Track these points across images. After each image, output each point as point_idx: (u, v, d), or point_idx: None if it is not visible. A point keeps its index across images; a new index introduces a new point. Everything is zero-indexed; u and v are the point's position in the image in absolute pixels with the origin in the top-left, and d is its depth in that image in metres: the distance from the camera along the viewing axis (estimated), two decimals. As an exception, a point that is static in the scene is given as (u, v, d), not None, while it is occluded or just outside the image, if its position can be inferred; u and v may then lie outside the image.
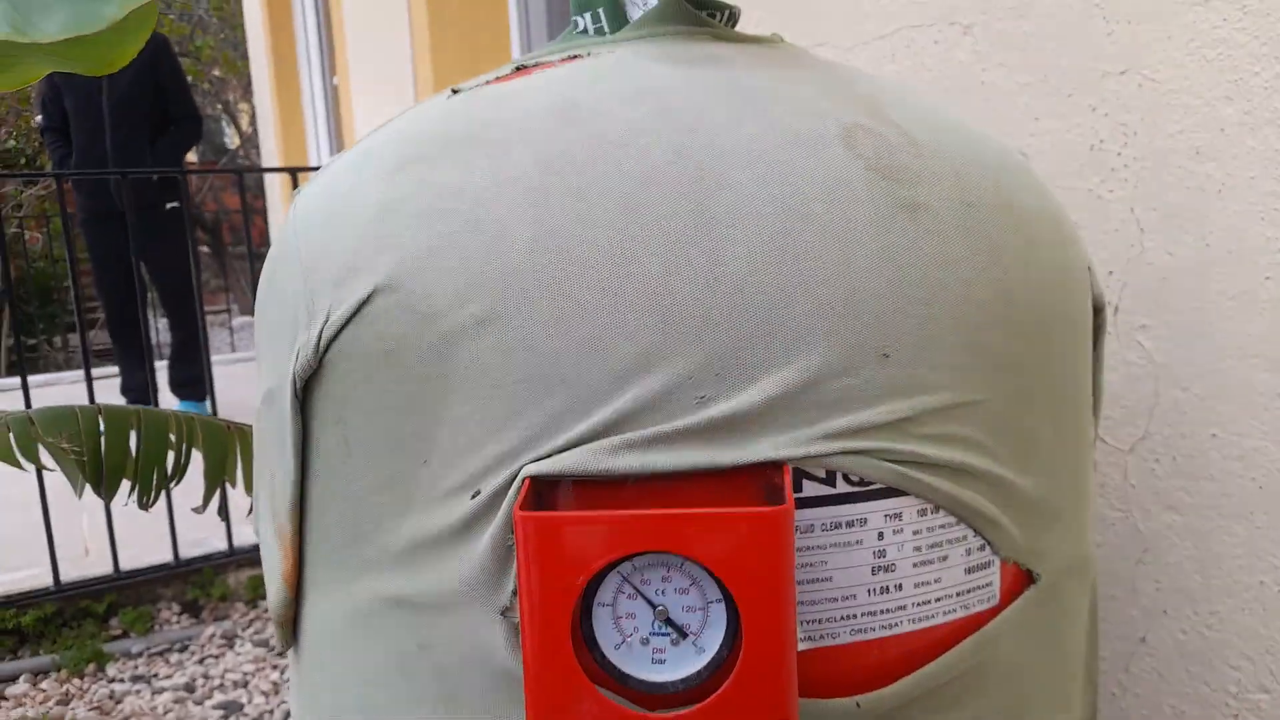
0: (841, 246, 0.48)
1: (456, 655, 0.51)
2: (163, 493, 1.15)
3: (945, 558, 0.51)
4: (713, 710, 0.42)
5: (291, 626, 0.61)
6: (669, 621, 0.43)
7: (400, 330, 0.49)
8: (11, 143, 5.77)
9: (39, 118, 3.81)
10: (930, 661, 0.51)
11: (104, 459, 1.06)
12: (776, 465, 0.46)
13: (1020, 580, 0.55)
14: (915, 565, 0.50)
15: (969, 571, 0.52)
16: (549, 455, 0.47)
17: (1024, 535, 0.53)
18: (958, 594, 0.52)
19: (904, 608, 0.50)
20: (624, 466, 0.45)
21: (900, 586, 0.50)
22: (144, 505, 1.12)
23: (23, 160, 5.58)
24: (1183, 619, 0.93)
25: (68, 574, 2.28)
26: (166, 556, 2.34)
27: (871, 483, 0.49)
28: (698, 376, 0.46)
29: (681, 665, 0.43)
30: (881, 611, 0.50)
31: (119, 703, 1.97)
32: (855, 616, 0.50)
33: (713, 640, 0.43)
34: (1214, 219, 0.83)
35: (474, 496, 0.49)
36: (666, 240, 0.47)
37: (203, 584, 2.36)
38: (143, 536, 2.37)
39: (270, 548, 0.60)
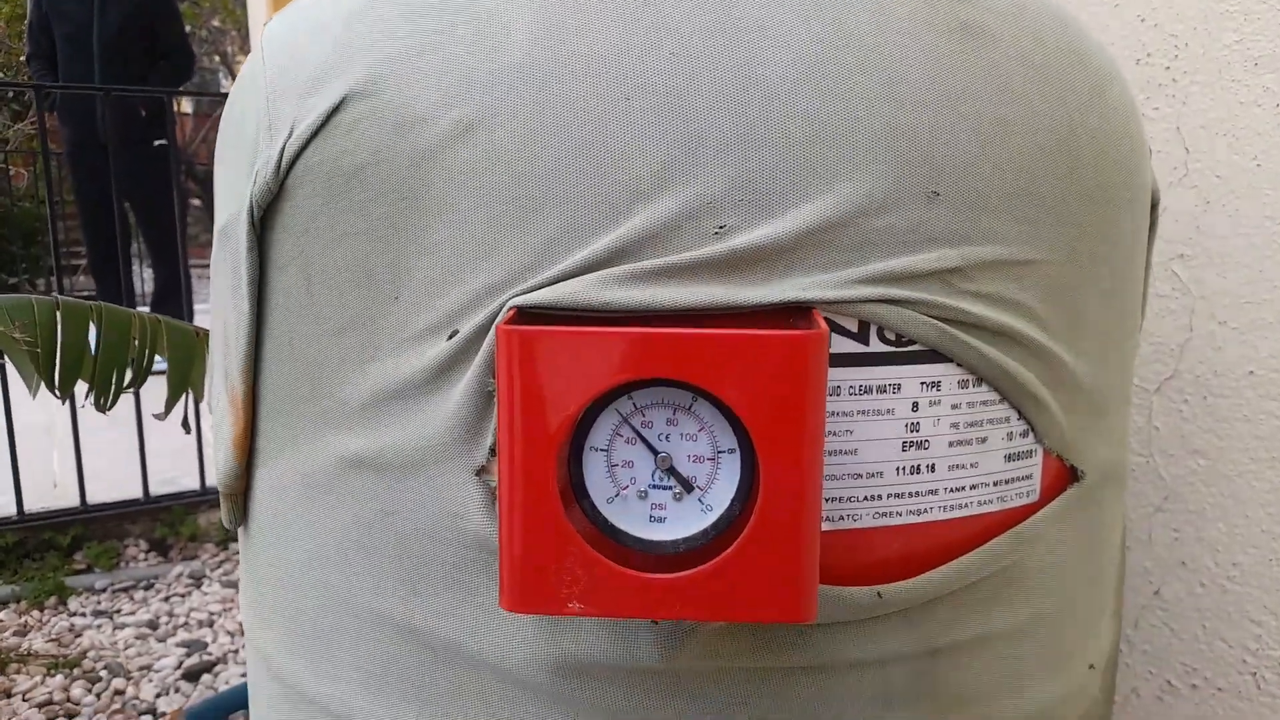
0: (889, 66, 0.41)
1: (423, 522, 0.44)
2: (122, 412, 1.07)
3: (984, 440, 0.45)
4: (716, 576, 0.36)
5: (241, 501, 0.54)
6: (672, 472, 0.37)
7: (374, 141, 0.43)
8: (-1, 75, 5.62)
9: (28, 48, 3.70)
10: (960, 556, 0.45)
11: (60, 354, 0.99)
12: (804, 309, 0.40)
13: (1062, 477, 0.49)
14: (951, 445, 0.44)
15: (1009, 459, 0.46)
16: (539, 288, 0.40)
17: (1070, 425, 0.47)
18: (995, 483, 0.46)
19: (935, 492, 0.44)
20: (626, 300, 0.39)
21: (933, 468, 0.44)
22: (101, 406, 1.05)
23: (10, 94, 5.44)
24: (1201, 571, 0.87)
25: (34, 505, 2.21)
26: (136, 493, 2.27)
27: (909, 342, 0.42)
28: (718, 201, 0.40)
29: (684, 523, 0.37)
30: (910, 494, 0.44)
31: (78, 636, 1.90)
32: (880, 498, 0.43)
33: (722, 496, 0.37)
34: (1271, 136, 0.77)
35: (450, 337, 0.42)
36: (686, 45, 0.41)
37: (172, 523, 2.30)
38: (113, 472, 2.30)
39: (220, 410, 0.53)
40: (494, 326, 0.41)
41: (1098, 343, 0.49)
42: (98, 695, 1.68)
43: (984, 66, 0.43)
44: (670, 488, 0.37)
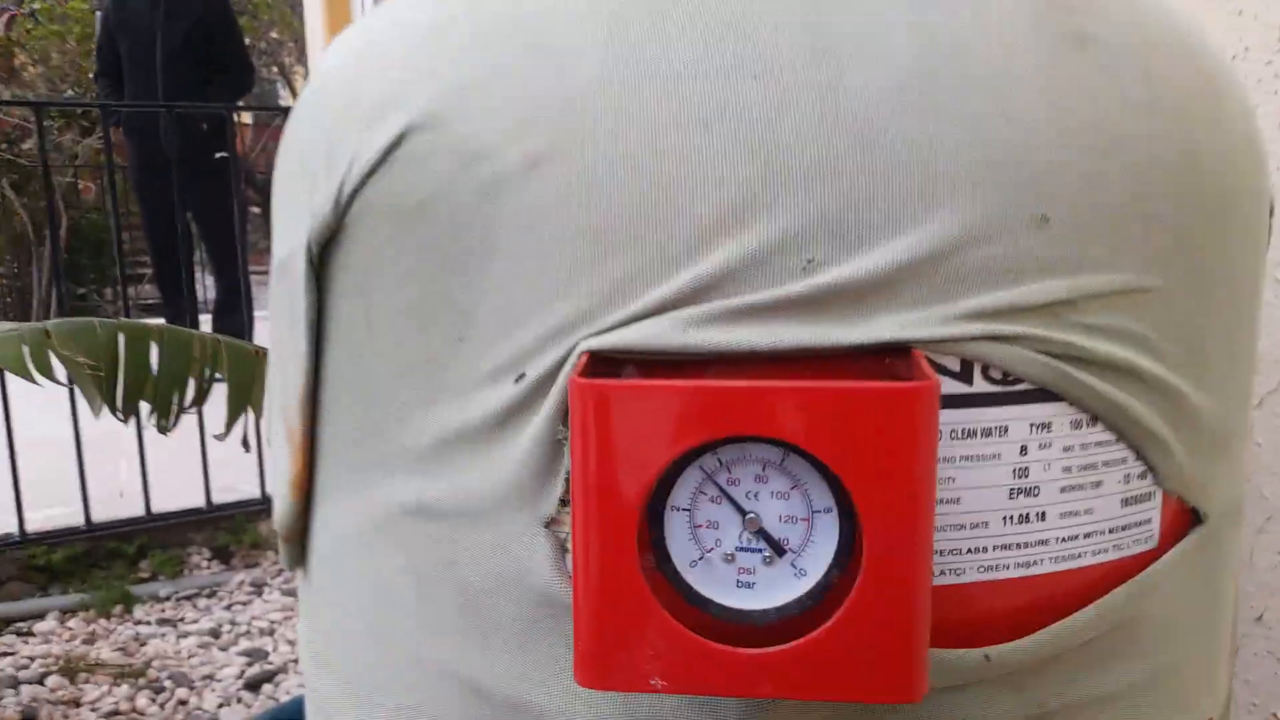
0: (996, 81, 0.38)
1: (486, 574, 0.42)
2: (184, 421, 1.07)
3: (1099, 484, 0.41)
4: (814, 650, 0.32)
5: (300, 542, 0.52)
6: (762, 534, 0.33)
7: (437, 175, 0.40)
8: (70, 92, 5.78)
9: (96, 66, 3.79)
10: (1074, 611, 0.41)
11: (123, 377, 0.98)
12: (903, 349, 0.36)
13: (1182, 520, 0.44)
14: (1063, 490, 0.40)
15: (1126, 503, 0.42)
16: (613, 329, 0.37)
17: (1191, 463, 0.43)
18: (1110, 530, 0.42)
19: (1046, 542, 0.40)
20: (707, 342, 0.36)
21: (1043, 516, 0.40)
22: (162, 428, 1.04)
23: (79, 111, 5.60)
24: (1312, 599, 0.81)
25: (100, 515, 2.25)
26: (199, 501, 2.30)
27: (1017, 381, 0.38)
28: (806, 235, 0.36)
29: (775, 591, 0.34)
30: (1018, 545, 0.40)
31: (143, 645, 1.93)
32: (986, 550, 0.40)
33: (818, 560, 0.33)
34: (1388, 131, 0.71)
35: (518, 380, 0.39)
36: (771, 66, 0.37)
37: (234, 530, 2.32)
38: (176, 480, 2.33)
39: (279, 450, 0.51)
40: (564, 373, 0.38)
41: (1219, 372, 0.44)
42: (161, 705, 1.70)
43: (1099, 79, 0.39)
44: (759, 550, 0.34)
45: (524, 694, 0.42)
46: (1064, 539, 0.41)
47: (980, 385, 0.38)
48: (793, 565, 0.34)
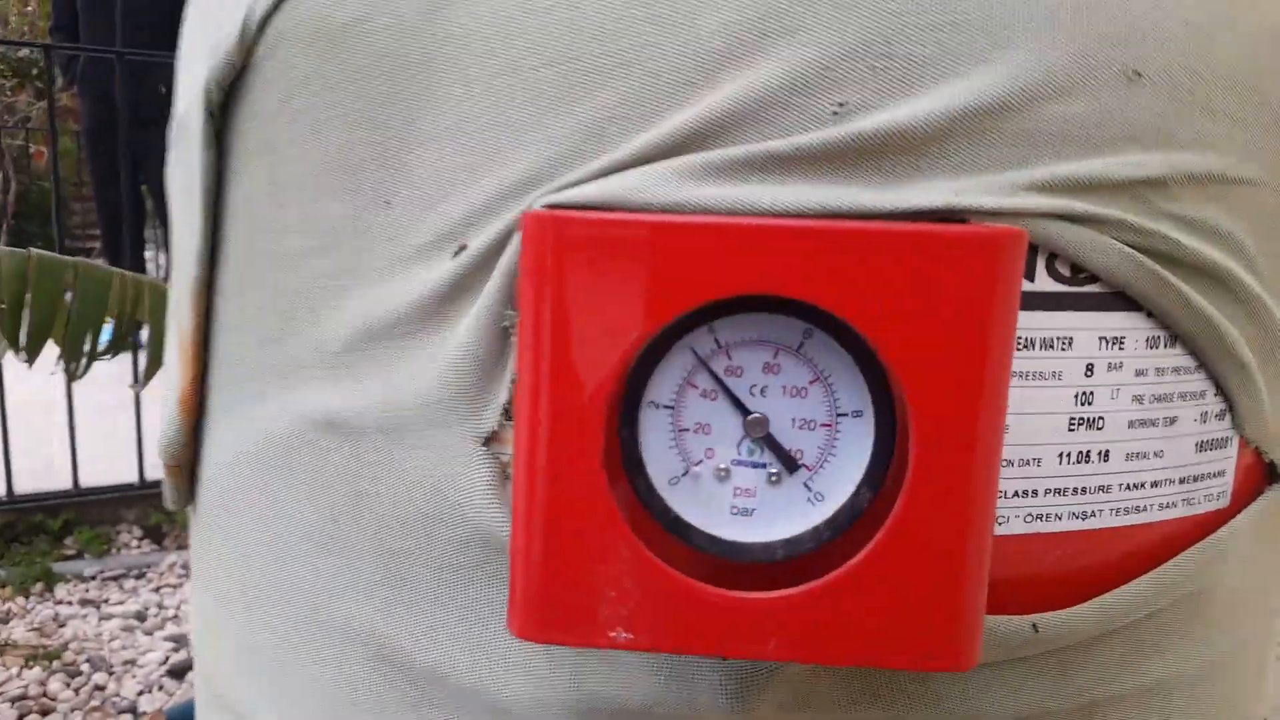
0: None
1: (408, 508, 0.33)
2: (121, 391, 0.96)
3: (1173, 420, 0.33)
4: (832, 599, 0.24)
5: (189, 475, 0.43)
6: (769, 442, 0.25)
7: (365, -12, 0.31)
8: (25, 52, 5.56)
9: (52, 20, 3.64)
10: (1135, 577, 0.33)
11: (30, 313, 0.88)
12: (955, 219, 0.28)
13: (1256, 476, 0.37)
14: (1131, 425, 0.32)
15: (1201, 448, 0.34)
16: (584, 183, 0.29)
17: (1275, 405, 0.35)
18: (1181, 480, 0.34)
19: (1107, 489, 0.32)
20: (709, 199, 0.27)
21: (1106, 456, 0.32)
22: (71, 374, 0.94)
23: (34, 70, 5.38)
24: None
25: (26, 486, 2.11)
26: (132, 477, 2.18)
27: (1088, 279, 0.31)
28: (839, 70, 0.28)
29: (783, 519, 0.25)
30: (1075, 491, 0.32)
31: (62, 626, 1.80)
32: (1036, 494, 0.32)
33: (841, 479, 0.25)
34: None
35: (457, 254, 0.31)
36: None
37: (168, 509, 2.19)
38: (110, 453, 2.20)
39: (170, 361, 0.42)
40: (515, 243, 0.29)
41: (1309, 301, 0.37)
42: (76, 690, 1.58)
43: None
44: (764, 465, 0.25)
45: (452, 666, 0.33)
46: (1128, 486, 0.33)
47: (1043, 282, 0.30)
48: (807, 486, 0.25)
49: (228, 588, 0.41)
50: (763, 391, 0.25)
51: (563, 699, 0.31)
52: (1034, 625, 0.31)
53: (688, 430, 0.25)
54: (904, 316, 0.22)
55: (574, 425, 0.24)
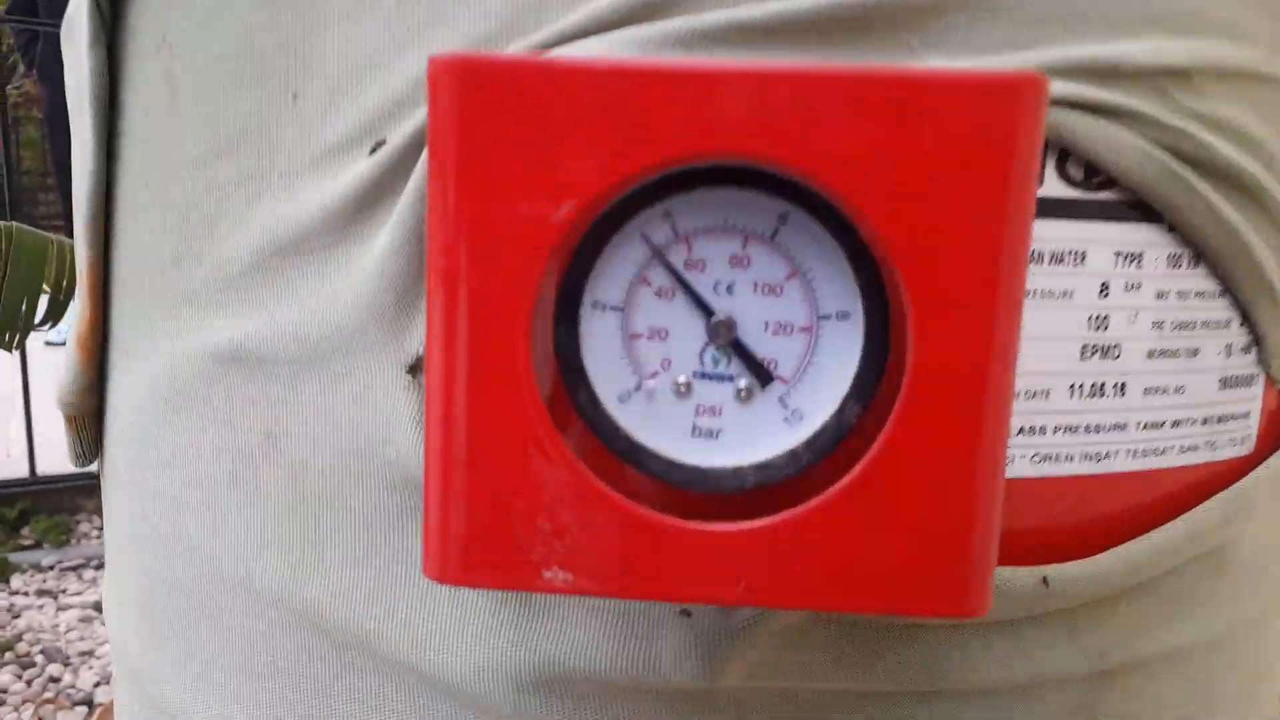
0: None
1: (328, 450, 0.29)
2: (27, 337, 0.90)
3: (1196, 352, 0.29)
4: (814, 531, 0.20)
5: (93, 426, 0.38)
6: (738, 349, 0.21)
7: None
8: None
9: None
10: (1155, 526, 0.29)
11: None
12: (954, 102, 0.24)
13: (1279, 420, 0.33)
14: (1150, 356, 0.29)
15: (1225, 385, 0.30)
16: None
17: (1304, 342, 0.32)
18: (1204, 420, 0.30)
19: (1124, 428, 0.29)
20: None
21: (1123, 389, 0.28)
22: (6, 344, 0.88)
23: (-6, 56, 5.25)
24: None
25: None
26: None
27: (1104, 184, 0.27)
28: None
29: (754, 440, 0.21)
30: (1089, 429, 0.28)
31: (17, 617, 1.74)
32: (1045, 431, 0.28)
33: (824, 395, 0.21)
34: None
35: (375, 150, 0.27)
36: None
37: (130, 498, 2.13)
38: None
39: (77, 302, 0.37)
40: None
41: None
42: (29, 683, 1.52)
43: None
44: (731, 378, 0.21)
45: (378, 626, 0.29)
46: (1146, 425, 0.29)
47: (1053, 186, 0.26)
48: (783, 402, 0.21)
49: (129, 545, 0.36)
50: (730, 289, 0.21)
51: (505, 664, 0.27)
52: (1044, 579, 0.27)
53: (640, 336, 0.21)
54: (902, 185, 0.18)
55: (497, 324, 0.19)
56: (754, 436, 0.21)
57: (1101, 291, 0.27)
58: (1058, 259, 0.27)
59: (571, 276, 0.20)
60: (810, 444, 0.21)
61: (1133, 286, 0.28)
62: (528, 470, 0.20)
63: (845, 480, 0.20)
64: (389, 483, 0.28)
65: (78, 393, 0.37)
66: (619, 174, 0.18)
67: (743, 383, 0.21)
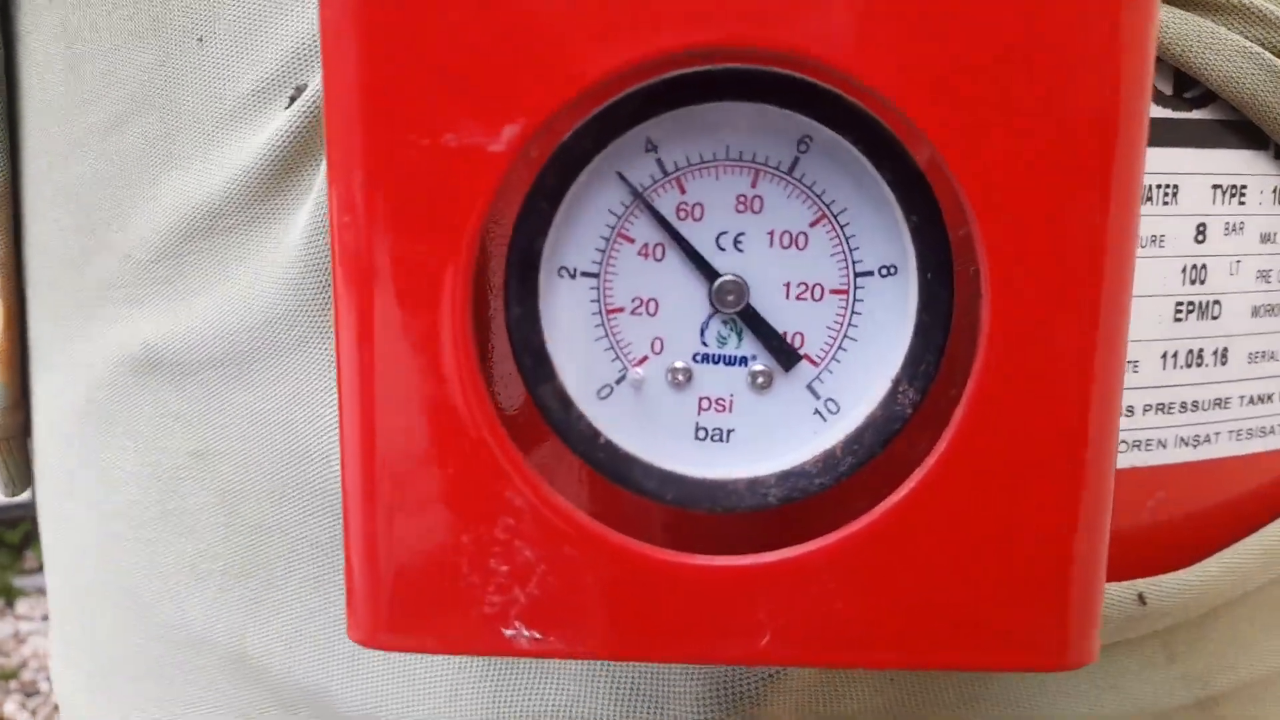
0: None
1: (261, 467, 0.24)
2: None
3: (1310, 307, 0.24)
4: (860, 564, 0.15)
5: (20, 448, 0.33)
6: (750, 320, 0.16)
7: None
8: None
9: None
10: (1266, 523, 0.24)
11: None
12: None
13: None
14: (1256, 313, 0.23)
15: (1343, 346, 0.25)
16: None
17: None
18: (1319, 391, 0.25)
19: (1225, 403, 0.23)
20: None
21: (1224, 356, 0.23)
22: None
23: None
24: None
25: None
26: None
27: (1205, 99, 0.21)
28: None
29: (778, 442, 0.16)
30: (1185, 406, 0.23)
31: (23, 643, 1.70)
32: (1133, 411, 0.23)
33: (868, 378, 0.16)
34: None
35: (292, 100, 0.22)
36: None
37: (136, 515, 2.09)
38: (70, 459, 2.09)
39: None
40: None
41: None
42: (33, 711, 1.48)
43: None
44: (743, 360, 0.16)
45: (323, 675, 0.24)
46: (1253, 400, 0.24)
47: (1135, 105, 0.21)
48: (814, 390, 0.16)
49: (65, 594, 0.32)
50: (737, 243, 0.16)
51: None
52: (1140, 595, 0.22)
53: (622, 311, 0.16)
54: (975, 90, 0.13)
55: (423, 302, 0.14)
56: (777, 437, 0.16)
57: (1198, 235, 0.22)
58: (1144, 196, 0.21)
59: (525, 233, 0.15)
60: (851, 444, 0.15)
61: (1234, 228, 0.22)
62: (473, 494, 0.15)
63: (901, 493, 0.15)
64: (334, 505, 0.23)
65: (3, 411, 0.32)
66: (579, 84, 0.13)
67: (760, 366, 0.16)
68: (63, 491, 0.31)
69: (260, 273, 0.23)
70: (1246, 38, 0.21)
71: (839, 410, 0.16)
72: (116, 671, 0.30)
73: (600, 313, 0.16)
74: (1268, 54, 0.21)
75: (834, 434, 0.16)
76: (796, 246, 0.16)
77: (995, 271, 0.14)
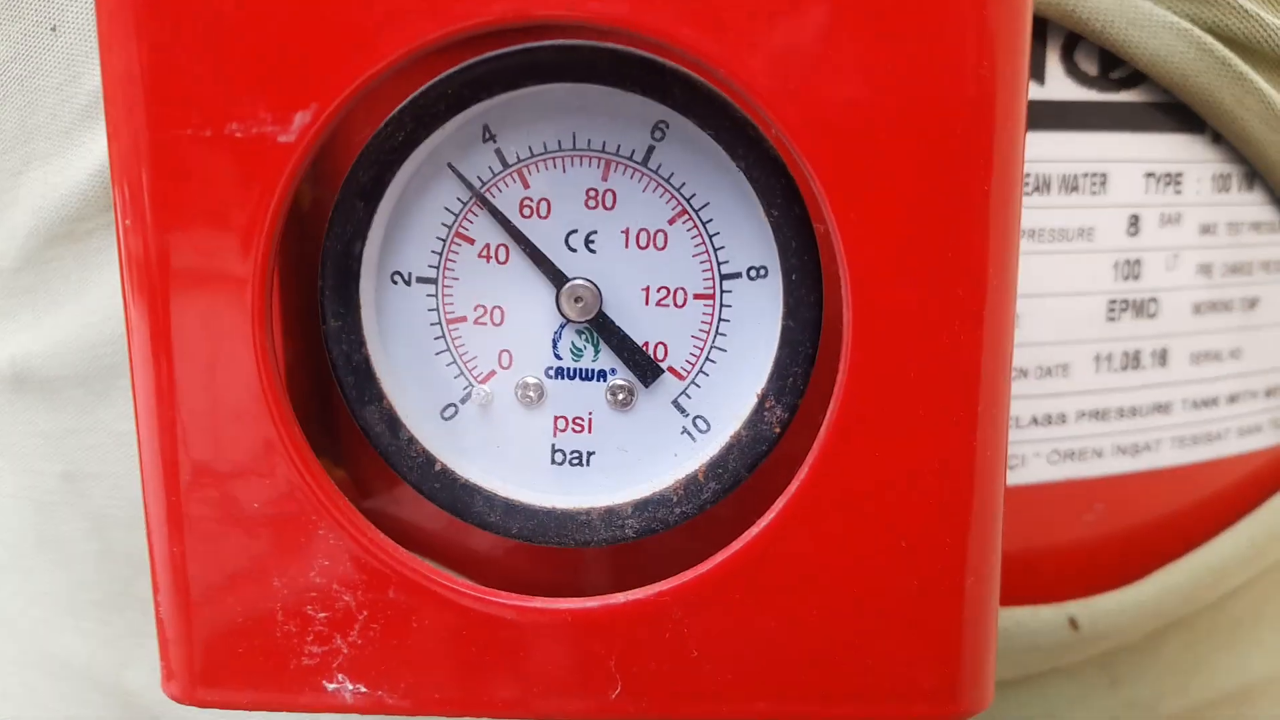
0: None
1: (126, 491, 0.22)
2: None
3: (1255, 302, 0.23)
4: (728, 602, 0.13)
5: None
6: (604, 330, 0.14)
7: None
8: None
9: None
10: (1210, 536, 0.22)
11: None
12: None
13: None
14: (1198, 310, 0.22)
15: (1293, 346, 0.23)
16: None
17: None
18: (1268, 391, 0.23)
19: (1166, 408, 0.22)
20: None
21: (1163, 357, 0.22)
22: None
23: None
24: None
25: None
26: None
27: (1127, 79, 0.20)
28: None
29: (639, 466, 0.14)
30: (1121, 412, 0.21)
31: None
32: (1065, 419, 0.21)
33: (736, 392, 0.14)
34: None
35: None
36: None
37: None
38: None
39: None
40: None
41: None
42: None
43: None
44: (601, 374, 0.14)
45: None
46: (1196, 403, 0.22)
47: (1059, 85, 0.20)
48: (680, 407, 0.14)
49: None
50: (589, 242, 0.14)
51: None
52: (1071, 619, 0.20)
53: (464, 320, 0.14)
54: (832, 75, 0.12)
55: (217, 311, 0.13)
56: (641, 459, 0.14)
57: (1130, 227, 0.21)
58: (1070, 185, 0.20)
59: (339, 235, 0.13)
60: (715, 468, 0.14)
61: (1170, 219, 0.21)
62: (283, 531, 0.13)
63: (761, 524, 0.13)
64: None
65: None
66: (372, 62, 0.12)
67: (619, 380, 0.14)
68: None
69: (119, 283, 0.21)
70: (1175, 13, 0.19)
71: (709, 429, 0.14)
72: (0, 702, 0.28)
73: (440, 323, 0.14)
74: (1198, 30, 0.19)
75: (698, 456, 0.14)
76: (655, 246, 0.14)
77: (855, 271, 0.12)
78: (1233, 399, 0.23)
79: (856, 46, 0.12)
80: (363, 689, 0.13)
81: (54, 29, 0.21)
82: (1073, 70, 0.19)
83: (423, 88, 0.13)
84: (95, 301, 0.22)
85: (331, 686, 0.13)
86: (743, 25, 0.12)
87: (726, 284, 0.14)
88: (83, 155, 0.21)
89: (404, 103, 0.13)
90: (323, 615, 0.13)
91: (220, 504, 0.13)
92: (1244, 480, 0.23)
